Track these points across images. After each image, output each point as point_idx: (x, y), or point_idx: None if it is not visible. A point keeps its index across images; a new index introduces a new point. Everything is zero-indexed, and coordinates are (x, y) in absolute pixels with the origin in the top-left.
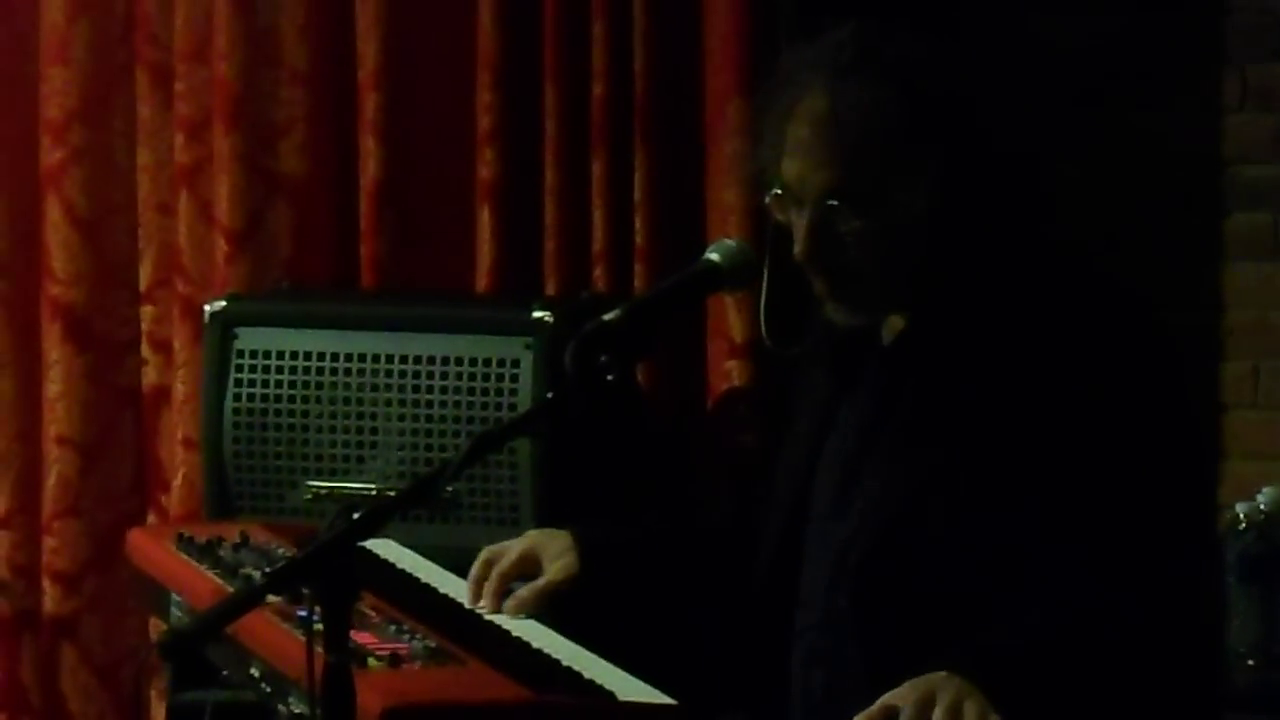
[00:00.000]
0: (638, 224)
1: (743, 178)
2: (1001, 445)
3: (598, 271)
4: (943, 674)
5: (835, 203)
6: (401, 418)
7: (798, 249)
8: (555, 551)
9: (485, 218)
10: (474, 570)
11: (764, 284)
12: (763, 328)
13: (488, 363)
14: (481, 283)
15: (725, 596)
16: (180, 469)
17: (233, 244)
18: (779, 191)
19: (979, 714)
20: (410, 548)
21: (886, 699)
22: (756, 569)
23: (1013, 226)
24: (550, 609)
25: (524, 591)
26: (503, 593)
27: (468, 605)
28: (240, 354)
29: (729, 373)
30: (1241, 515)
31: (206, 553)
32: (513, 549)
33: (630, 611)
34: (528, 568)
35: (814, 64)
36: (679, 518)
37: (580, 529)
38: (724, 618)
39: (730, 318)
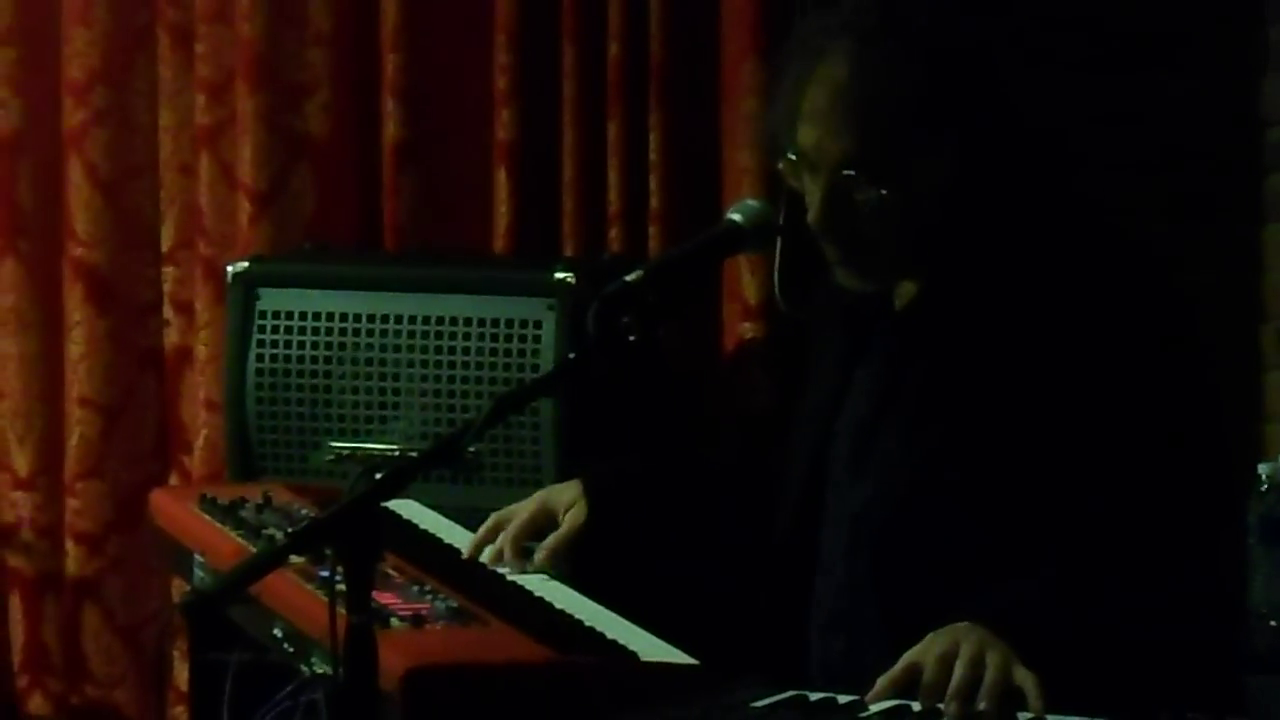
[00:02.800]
0: (653, 185)
1: (758, 139)
2: (1017, 409)
3: (614, 232)
4: (965, 625)
5: (851, 172)
6: (424, 378)
7: (812, 216)
8: (567, 501)
9: (503, 179)
10: (480, 532)
11: (778, 247)
12: (776, 290)
13: (510, 324)
14: (499, 244)
15: (736, 540)
16: (202, 430)
17: (256, 205)
18: (793, 157)
19: (1001, 664)
20: (432, 508)
21: (909, 657)
22: (775, 531)
23: (1032, 193)
24: (574, 563)
25: (549, 542)
26: (523, 552)
27: (464, 556)
28: (263, 315)
29: (744, 334)
30: (1263, 476)
31: (229, 513)
32: (523, 510)
33: (643, 553)
34: (541, 525)
35: (835, 28)
36: (686, 457)
37: (587, 474)
38: (741, 578)
39: (745, 280)
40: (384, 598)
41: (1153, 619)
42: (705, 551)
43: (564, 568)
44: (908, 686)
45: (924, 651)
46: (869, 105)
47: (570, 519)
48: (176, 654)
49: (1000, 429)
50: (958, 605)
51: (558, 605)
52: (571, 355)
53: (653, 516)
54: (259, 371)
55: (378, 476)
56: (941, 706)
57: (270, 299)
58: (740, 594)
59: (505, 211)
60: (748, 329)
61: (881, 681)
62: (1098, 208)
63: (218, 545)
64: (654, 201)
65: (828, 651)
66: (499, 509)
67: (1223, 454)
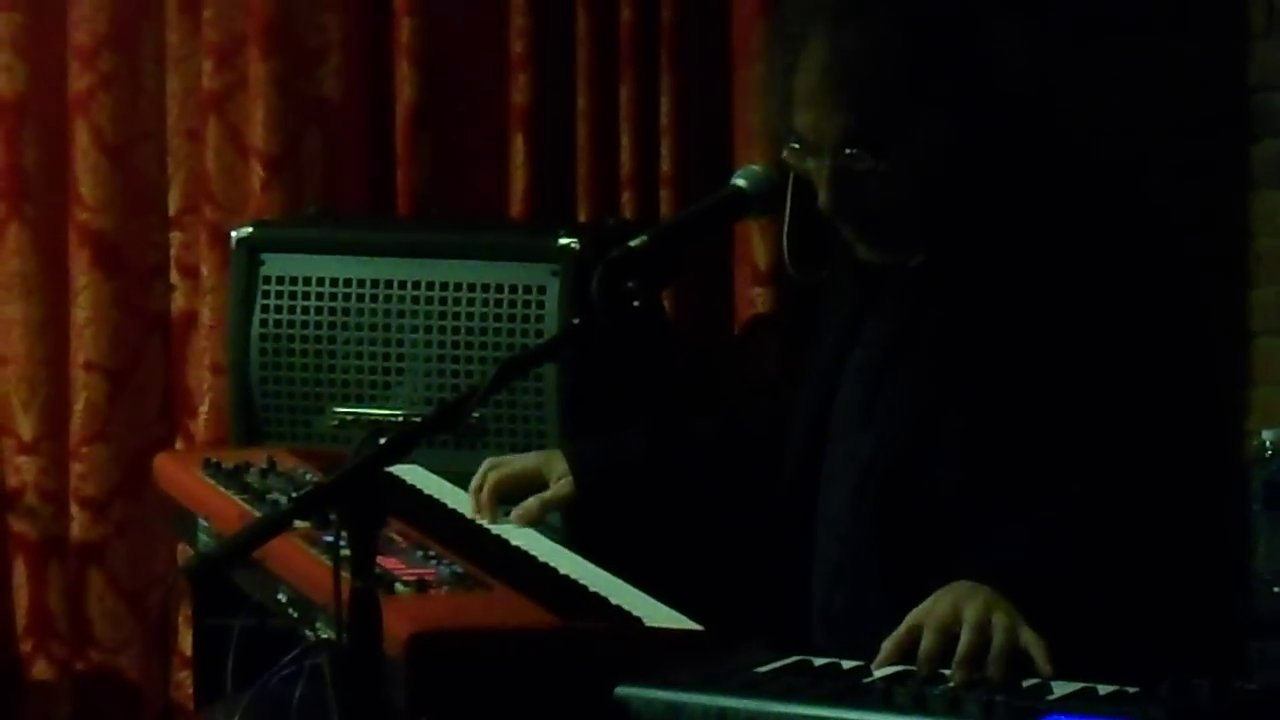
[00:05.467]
0: (664, 149)
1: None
2: (1024, 365)
3: (626, 197)
4: (969, 584)
5: (852, 150)
6: (428, 344)
7: (822, 200)
8: (559, 471)
9: (519, 143)
10: (475, 479)
11: (787, 212)
12: (785, 256)
13: (514, 289)
14: (516, 208)
15: (732, 506)
16: (207, 394)
17: (268, 170)
18: (795, 145)
19: (1008, 627)
20: (437, 473)
21: (912, 618)
22: (779, 484)
23: (1034, 152)
24: (576, 533)
25: (530, 502)
26: (495, 505)
27: (469, 515)
28: (267, 280)
29: (754, 299)
30: (1267, 442)
31: (233, 478)
32: (515, 463)
33: (635, 529)
34: (528, 483)
35: (809, 12)
36: (670, 428)
37: (576, 448)
38: (741, 533)
39: (755, 244)
40: (388, 563)
41: (1154, 580)
42: (703, 522)
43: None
44: (913, 648)
45: (925, 613)
46: (856, 80)
47: (556, 490)
48: (181, 619)
49: (1008, 383)
50: (960, 559)
51: (562, 571)
52: (575, 321)
53: (642, 498)
54: (263, 337)
55: (382, 441)
56: (946, 671)
57: (274, 264)
58: (743, 553)
59: (521, 176)
60: (758, 294)
61: (886, 646)
62: (1100, 167)
63: (222, 510)
64: (665, 166)
65: (829, 606)
66: None
67: (1224, 415)
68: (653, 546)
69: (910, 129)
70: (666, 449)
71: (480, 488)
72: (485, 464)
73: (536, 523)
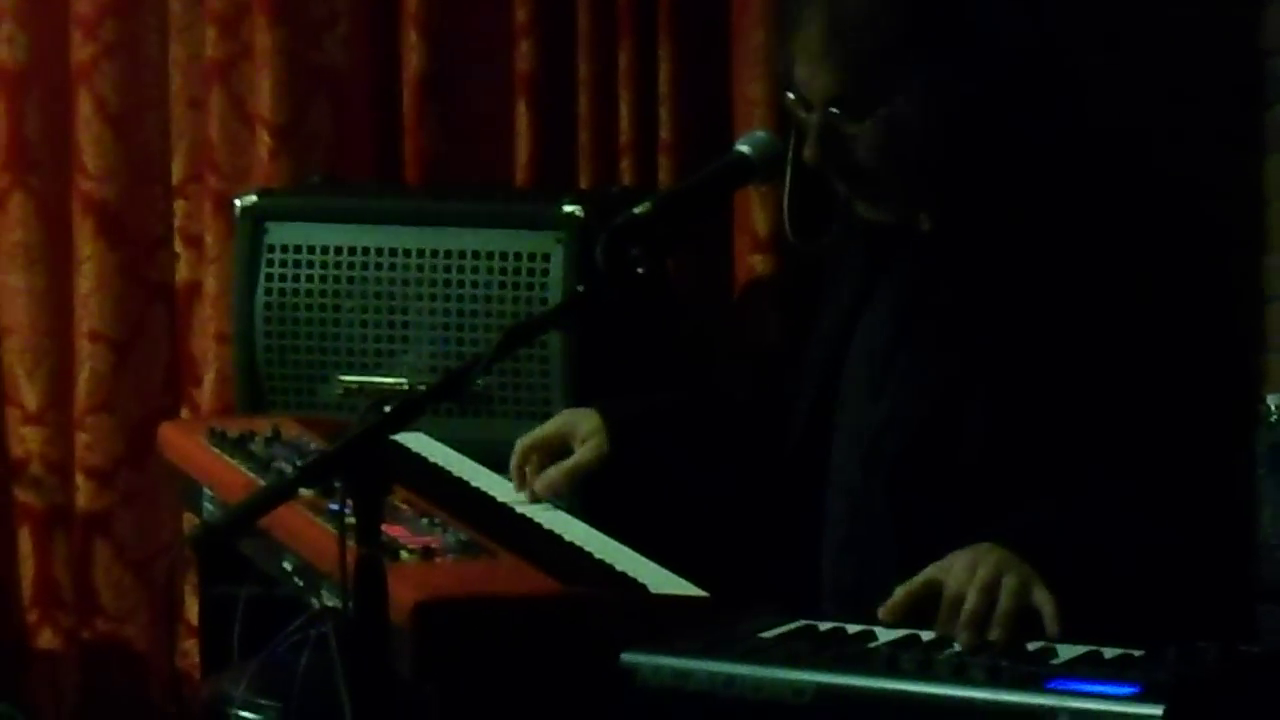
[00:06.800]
0: (663, 116)
1: (769, 70)
2: (1038, 335)
3: (625, 164)
4: (985, 545)
5: (836, 109)
6: (432, 312)
7: (806, 152)
8: (585, 432)
9: (523, 111)
10: (514, 459)
11: (787, 179)
12: (786, 223)
13: (518, 257)
14: (520, 176)
15: (753, 472)
16: (212, 364)
17: (276, 139)
18: (792, 96)
19: (1016, 589)
20: (442, 441)
21: (929, 573)
22: (786, 449)
23: (1033, 120)
24: (582, 493)
25: (553, 471)
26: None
27: (518, 507)
28: (271, 249)
29: (754, 266)
30: (1273, 407)
31: (238, 447)
32: (544, 428)
33: (659, 489)
34: (555, 450)
35: None
36: (703, 392)
37: (606, 406)
38: (753, 500)
39: (754, 211)
40: (393, 531)
41: (1167, 551)
42: (726, 484)
43: (566, 499)
44: (925, 601)
45: (944, 570)
46: (848, 42)
47: (585, 452)
48: (187, 588)
49: (1026, 354)
50: (973, 528)
51: (567, 538)
52: (580, 288)
53: (675, 458)
54: (267, 305)
55: (387, 410)
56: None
57: (278, 232)
58: (755, 520)
59: (525, 144)
60: (758, 261)
61: (899, 592)
62: (1111, 133)
63: (227, 479)
64: (664, 133)
65: (839, 576)
66: (508, 442)
67: (1243, 383)
68: (664, 512)
69: (894, 95)
70: (697, 410)
71: (521, 465)
72: (520, 443)
73: (562, 493)
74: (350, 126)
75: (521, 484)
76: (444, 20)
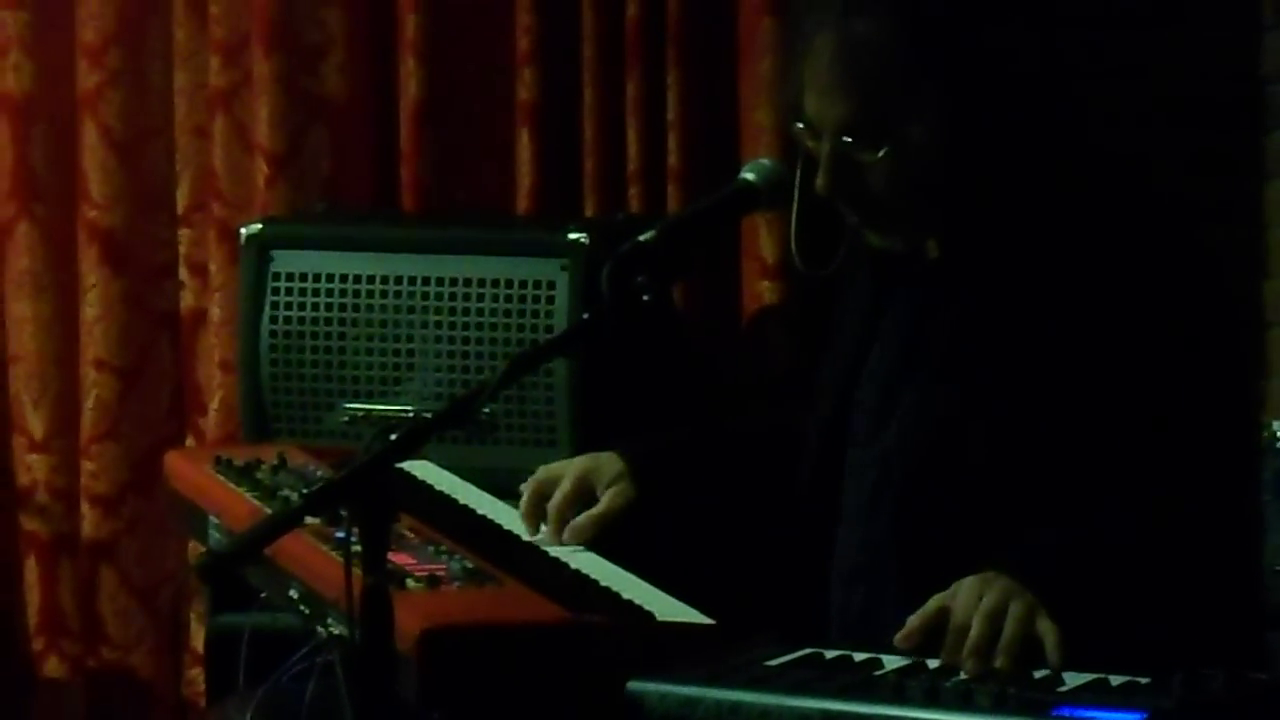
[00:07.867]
0: (671, 144)
1: (774, 99)
2: (1044, 364)
3: (633, 192)
4: (992, 573)
5: (849, 138)
6: (438, 339)
7: (818, 182)
8: (608, 478)
9: (525, 139)
10: (525, 503)
11: (794, 206)
12: (793, 250)
13: (524, 284)
14: (523, 204)
15: (766, 503)
16: (217, 392)
17: (273, 167)
18: (801, 125)
19: (1021, 616)
20: (447, 469)
21: (939, 600)
22: (798, 481)
23: (1041, 146)
24: (604, 542)
25: (582, 520)
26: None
27: (526, 537)
28: (276, 276)
29: (761, 294)
30: (1277, 433)
31: (244, 475)
32: (565, 479)
33: (681, 529)
34: (581, 498)
35: (823, 1)
36: (716, 426)
37: (627, 449)
38: (764, 531)
39: (762, 238)
40: (399, 559)
41: (1174, 578)
42: (742, 518)
43: (588, 545)
44: (937, 628)
45: (951, 598)
46: (859, 71)
47: (611, 498)
48: (192, 616)
49: (1032, 383)
50: (981, 557)
51: (573, 566)
52: (585, 316)
53: (698, 496)
54: (273, 333)
55: (392, 437)
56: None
57: (283, 260)
58: (762, 545)
59: (528, 172)
60: (765, 288)
61: (912, 620)
62: (1116, 159)
63: (233, 507)
64: (672, 160)
65: (847, 606)
66: (514, 469)
67: (1248, 409)
68: (682, 547)
69: (906, 124)
70: (714, 446)
71: (533, 509)
72: (532, 484)
73: (589, 540)
74: (349, 154)
75: (535, 528)
76: (442, 48)
